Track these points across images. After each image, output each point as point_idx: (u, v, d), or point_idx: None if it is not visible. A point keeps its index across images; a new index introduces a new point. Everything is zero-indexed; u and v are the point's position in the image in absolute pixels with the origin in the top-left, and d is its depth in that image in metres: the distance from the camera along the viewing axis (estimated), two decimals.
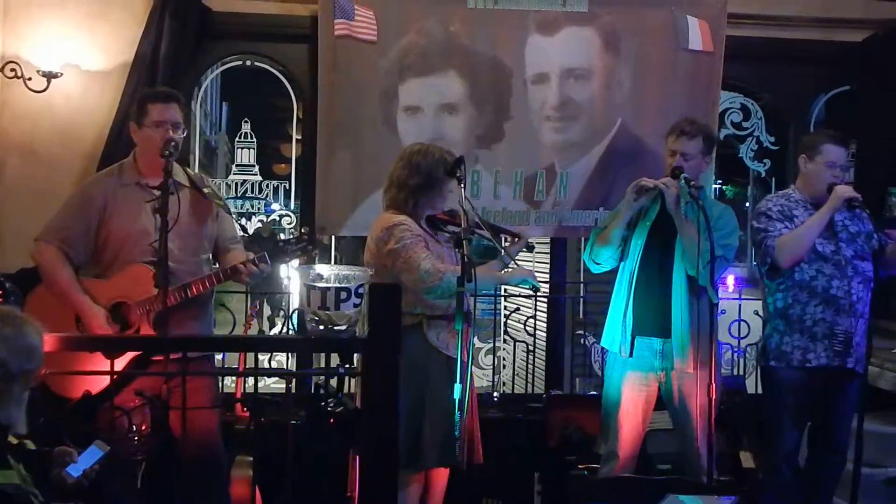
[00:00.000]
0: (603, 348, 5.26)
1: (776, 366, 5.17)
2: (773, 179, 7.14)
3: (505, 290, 7.17)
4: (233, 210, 5.72)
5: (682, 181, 4.85)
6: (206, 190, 4.79)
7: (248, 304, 6.19)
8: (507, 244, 5.00)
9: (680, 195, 4.87)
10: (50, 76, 5.75)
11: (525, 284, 4.98)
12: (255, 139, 7.00)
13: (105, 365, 3.60)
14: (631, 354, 5.00)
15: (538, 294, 6.83)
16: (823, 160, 5.12)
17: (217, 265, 4.89)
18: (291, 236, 4.78)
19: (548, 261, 7.08)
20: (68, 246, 4.70)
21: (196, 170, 5.97)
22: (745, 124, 7.04)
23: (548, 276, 6.99)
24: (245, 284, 5.02)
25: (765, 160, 7.05)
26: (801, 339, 5.11)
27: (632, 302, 5.00)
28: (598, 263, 5.11)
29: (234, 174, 6.83)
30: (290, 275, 6.28)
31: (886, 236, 5.11)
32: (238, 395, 5.35)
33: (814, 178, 5.17)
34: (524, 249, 5.14)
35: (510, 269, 5.10)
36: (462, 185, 4.73)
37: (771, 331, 5.22)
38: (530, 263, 8.20)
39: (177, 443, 4.16)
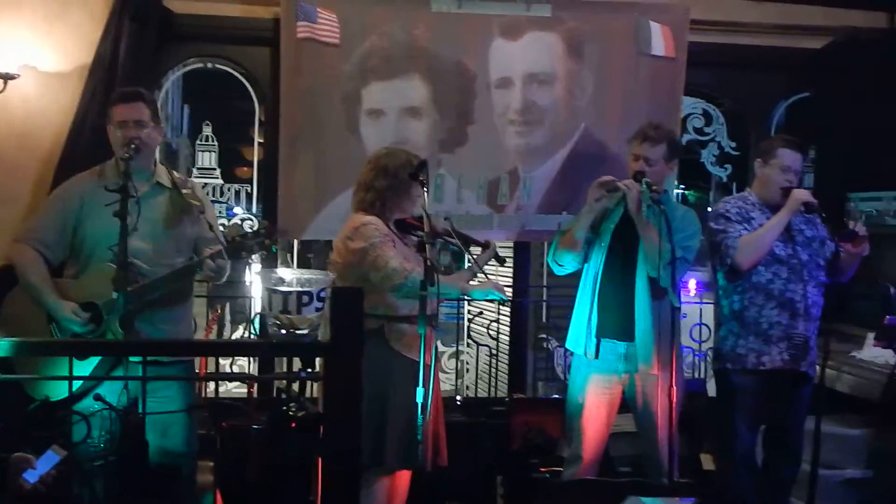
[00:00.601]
0: (567, 351, 5.26)
1: (731, 368, 5.19)
2: (735, 184, 7.18)
3: (468, 294, 7.17)
4: None
5: (644, 185, 4.86)
6: (185, 191, 4.78)
7: (209, 308, 6.16)
8: (476, 254, 5.01)
9: (642, 199, 4.88)
10: (7, 77, 5.68)
11: (493, 297, 5.00)
12: (216, 142, 6.96)
13: (75, 369, 3.57)
14: (597, 357, 5.01)
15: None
16: (778, 164, 5.16)
17: None
18: (249, 231, 4.76)
19: (511, 265, 7.09)
20: (45, 246, 4.71)
21: None
22: (706, 129, 7.07)
23: (511, 280, 6.99)
24: (207, 282, 5.00)
25: (726, 165, 7.08)
26: (755, 342, 5.14)
27: (596, 304, 5.02)
28: (561, 265, 5.12)
29: (196, 177, 6.78)
30: (253, 278, 6.25)
31: (840, 245, 5.14)
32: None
33: (768, 182, 5.21)
34: (495, 262, 5.14)
35: (476, 283, 5.11)
36: (425, 189, 4.74)
37: (726, 333, 5.25)
38: (493, 267, 8.22)
39: (144, 448, 4.12)
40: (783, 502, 5.34)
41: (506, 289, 6.82)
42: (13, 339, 3.39)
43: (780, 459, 5.30)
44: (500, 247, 7.51)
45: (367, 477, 4.73)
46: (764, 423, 5.32)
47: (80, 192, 4.75)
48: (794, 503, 5.55)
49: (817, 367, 5.21)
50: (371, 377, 4.69)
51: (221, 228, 6.50)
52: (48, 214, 4.79)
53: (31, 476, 3.37)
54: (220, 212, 6.68)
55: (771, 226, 5.09)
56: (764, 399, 5.18)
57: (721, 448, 5.37)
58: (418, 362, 4.51)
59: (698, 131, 7.07)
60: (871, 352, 5.76)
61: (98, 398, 4.19)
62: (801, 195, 5.07)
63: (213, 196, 6.64)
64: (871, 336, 5.78)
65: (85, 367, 4.39)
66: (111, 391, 4.29)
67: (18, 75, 5.73)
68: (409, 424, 4.63)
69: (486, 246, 5.05)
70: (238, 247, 4.67)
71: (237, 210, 6.81)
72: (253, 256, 5.04)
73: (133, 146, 4.50)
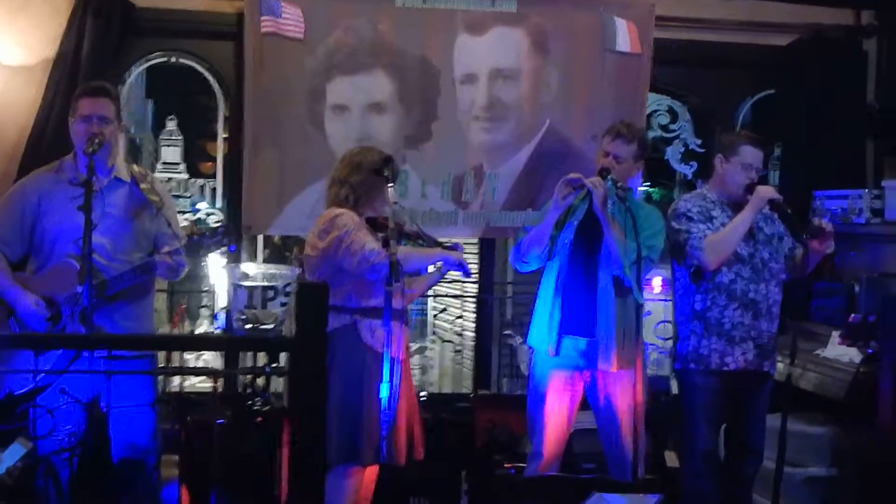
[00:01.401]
0: (530, 348, 5.27)
1: (694, 368, 5.16)
2: (700, 182, 7.21)
3: (433, 290, 7.17)
4: None
5: (609, 181, 4.87)
6: (143, 186, 4.75)
7: (172, 302, 6.14)
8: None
9: (607, 195, 4.89)
10: None
11: (456, 270, 4.98)
12: (181, 136, 6.92)
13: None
14: (558, 353, 5.02)
15: (465, 295, 6.87)
16: (740, 161, 5.14)
17: None
18: (206, 229, 4.76)
19: (476, 261, 7.10)
20: (2, 243, 4.71)
21: None
22: (672, 126, 7.09)
23: (476, 276, 7.00)
24: (165, 279, 4.99)
25: (692, 162, 7.10)
26: (718, 343, 5.11)
27: (559, 301, 5.02)
28: (525, 262, 5.11)
29: (160, 171, 6.75)
30: (217, 273, 6.23)
31: (806, 242, 5.15)
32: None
33: (729, 179, 5.18)
34: (461, 274, 5.14)
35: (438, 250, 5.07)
36: (391, 185, 4.74)
37: (688, 333, 5.20)
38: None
39: (107, 442, 4.12)
40: (745, 499, 5.34)
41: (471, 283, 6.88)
42: None
43: (741, 457, 5.30)
44: (465, 242, 7.56)
45: (340, 471, 4.74)
46: (725, 422, 5.34)
47: (38, 188, 4.74)
48: (758, 500, 5.59)
49: (778, 365, 5.24)
50: (345, 372, 4.73)
51: (185, 223, 6.51)
52: (5, 211, 4.78)
53: None
54: (183, 206, 6.66)
55: (736, 224, 5.05)
56: (726, 398, 5.18)
57: (683, 447, 5.38)
58: (393, 357, 4.53)
59: (664, 128, 7.09)
60: (836, 350, 5.77)
61: (63, 391, 4.18)
62: (767, 192, 5.05)
63: (178, 191, 6.61)
64: (835, 334, 5.79)
65: (43, 361, 4.36)
66: (76, 385, 4.28)
67: None
68: (382, 419, 4.65)
69: (451, 249, 5.05)
70: (196, 245, 4.65)
71: (201, 205, 6.79)
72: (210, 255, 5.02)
73: (96, 141, 4.48)
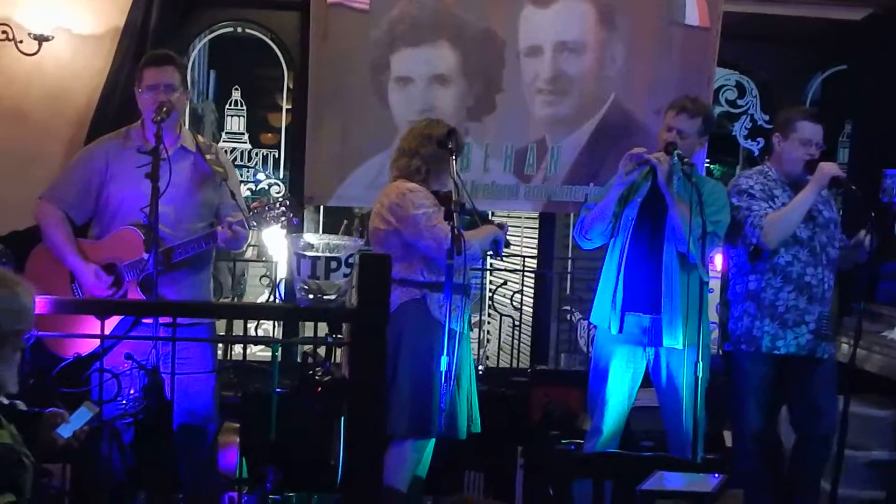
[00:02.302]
0: (590, 324, 5.24)
1: (745, 350, 5.10)
2: (766, 159, 7.13)
3: (492, 264, 7.16)
4: None
5: (675, 157, 4.82)
6: (208, 157, 4.78)
7: (234, 273, 6.19)
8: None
9: (672, 171, 4.85)
10: (41, 39, 5.69)
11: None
12: (244, 107, 6.96)
13: (94, 323, 3.61)
14: (621, 331, 4.99)
15: (525, 269, 6.85)
16: (798, 137, 5.03)
17: None
18: (269, 201, 4.78)
19: (536, 236, 7.07)
20: (68, 206, 4.75)
21: None
22: (739, 102, 7.02)
23: (536, 251, 6.98)
24: (226, 249, 5.02)
25: (758, 139, 7.02)
26: (770, 325, 5.04)
27: (622, 278, 4.98)
28: (588, 239, 5.07)
29: (224, 141, 6.80)
30: (276, 243, 6.26)
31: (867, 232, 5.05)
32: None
33: (787, 157, 5.09)
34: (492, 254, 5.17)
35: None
36: (454, 158, 4.73)
37: (741, 313, 5.13)
38: (518, 238, 8.21)
39: (167, 408, 4.16)
40: (813, 486, 5.23)
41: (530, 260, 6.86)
42: (46, 296, 3.41)
43: (802, 441, 5.24)
44: (525, 217, 7.53)
45: (409, 444, 4.79)
46: (783, 405, 5.28)
47: (106, 154, 4.78)
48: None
49: (843, 346, 5.15)
50: (415, 347, 4.74)
51: (248, 194, 6.55)
52: (73, 175, 4.82)
53: (64, 431, 3.40)
54: (246, 176, 6.69)
55: (798, 202, 4.96)
56: (777, 382, 5.13)
57: (732, 428, 5.32)
58: (456, 331, 4.57)
59: (731, 103, 7.02)
60: None
61: (129, 357, 4.23)
62: (830, 169, 4.93)
63: (241, 161, 6.65)
64: None
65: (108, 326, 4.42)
66: (138, 350, 4.32)
67: (53, 37, 5.73)
68: (452, 393, 4.67)
69: (498, 227, 5.05)
70: (259, 217, 4.67)
71: (261, 176, 6.82)
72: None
73: (164, 109, 4.51)
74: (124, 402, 4.33)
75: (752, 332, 5.09)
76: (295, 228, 5.56)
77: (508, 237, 5.06)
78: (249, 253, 6.64)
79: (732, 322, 5.20)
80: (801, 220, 4.98)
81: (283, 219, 4.70)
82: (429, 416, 4.77)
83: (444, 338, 4.61)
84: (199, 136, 5.03)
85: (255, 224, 4.71)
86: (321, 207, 6.84)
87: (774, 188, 5.10)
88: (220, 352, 5.56)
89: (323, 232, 6.94)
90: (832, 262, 5.11)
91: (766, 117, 7.02)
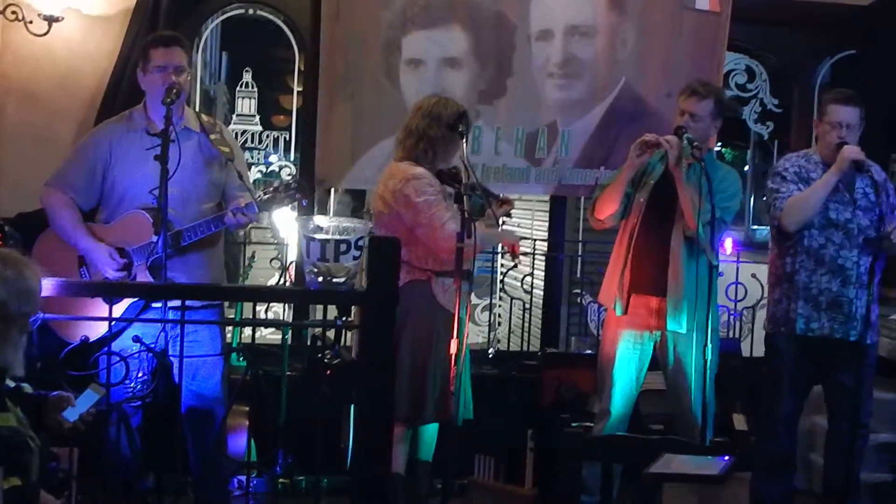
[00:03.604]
0: (600, 306, 5.25)
1: (784, 332, 5.13)
2: (776, 143, 7.11)
3: (503, 248, 7.15)
4: None
5: (685, 141, 4.81)
6: (213, 137, 4.76)
7: (245, 255, 6.20)
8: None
9: (682, 155, 4.84)
10: (51, 20, 5.68)
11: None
12: (255, 89, 6.95)
13: (105, 310, 3.61)
14: (626, 312, 4.99)
15: (535, 252, 6.85)
16: (829, 120, 5.06)
17: None
18: (279, 184, 4.76)
19: (547, 219, 7.06)
20: (74, 191, 4.72)
21: None
22: (749, 86, 7.00)
23: (546, 234, 6.97)
24: (236, 230, 5.01)
25: (768, 123, 7.01)
26: (805, 307, 5.06)
27: (630, 259, 4.99)
28: (600, 220, 5.08)
29: (235, 123, 6.79)
30: (287, 225, 6.26)
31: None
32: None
33: (822, 140, 5.12)
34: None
35: (502, 230, 5.10)
36: (465, 141, 4.73)
37: (780, 296, 5.16)
38: (528, 221, 8.21)
39: (177, 391, 4.17)
40: (845, 469, 5.13)
41: (539, 244, 6.86)
42: (54, 278, 3.42)
43: (837, 426, 5.23)
44: (537, 200, 7.52)
45: (401, 428, 4.79)
46: (816, 385, 5.28)
47: (109, 138, 4.75)
48: (816, 460, 5.53)
49: (876, 334, 5.13)
50: (416, 329, 4.74)
51: (259, 176, 6.54)
52: (78, 161, 4.79)
53: (70, 414, 3.41)
54: (257, 158, 6.69)
55: (816, 187, 4.99)
56: (813, 365, 5.14)
57: (763, 409, 5.32)
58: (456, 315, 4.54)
59: (741, 87, 7.00)
60: None
61: (137, 340, 4.23)
62: (850, 152, 4.93)
63: (252, 143, 6.65)
64: None
65: (116, 309, 4.42)
66: (147, 333, 4.33)
67: (62, 18, 5.72)
68: (445, 378, 4.66)
69: (505, 202, 5.05)
70: (269, 201, 4.66)
71: (273, 158, 6.82)
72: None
73: (174, 91, 4.49)
74: (132, 384, 4.34)
75: (788, 314, 5.12)
76: (306, 210, 5.59)
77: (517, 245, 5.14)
78: (259, 236, 6.64)
79: (772, 304, 5.23)
80: (820, 203, 4.98)
81: (291, 201, 4.68)
82: (423, 402, 4.78)
83: (449, 322, 4.61)
84: (204, 116, 5.00)
85: (268, 206, 4.69)
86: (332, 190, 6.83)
87: (812, 171, 5.11)
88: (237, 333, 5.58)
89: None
90: (873, 245, 5.06)
91: (776, 101, 7.01)
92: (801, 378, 5.17)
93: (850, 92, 5.14)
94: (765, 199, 5.15)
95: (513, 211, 5.48)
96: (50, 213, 4.73)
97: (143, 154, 4.49)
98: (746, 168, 8.58)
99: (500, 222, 5.44)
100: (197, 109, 6.48)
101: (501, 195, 5.22)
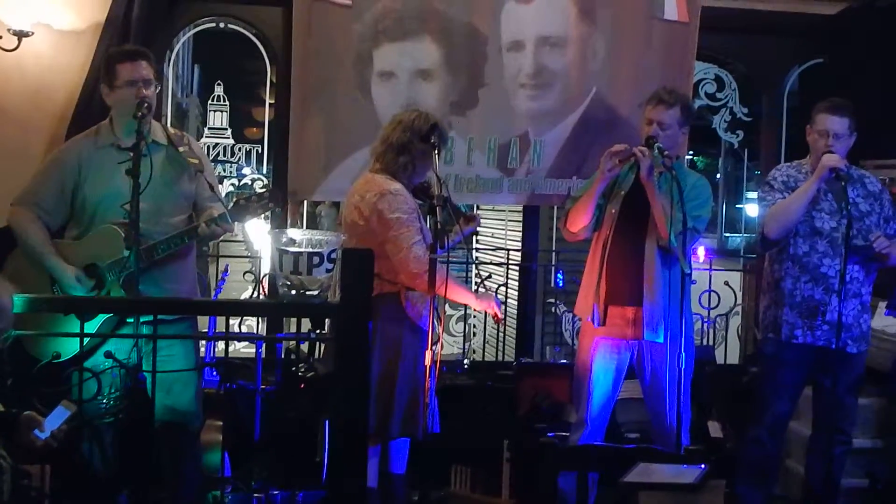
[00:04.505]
0: (575, 316, 5.25)
1: (772, 338, 5.17)
2: (746, 151, 7.15)
3: (477, 258, 7.17)
4: None
5: (656, 150, 4.83)
6: (181, 149, 4.74)
7: (218, 268, 6.18)
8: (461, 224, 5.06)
9: (653, 164, 4.85)
10: (21, 35, 5.65)
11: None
12: (227, 102, 6.95)
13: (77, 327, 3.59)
14: (604, 323, 5.00)
15: (509, 263, 6.87)
16: (817, 128, 5.07)
17: None
18: (251, 193, 4.74)
19: (520, 229, 7.08)
20: (42, 210, 4.66)
21: None
22: (718, 95, 7.05)
23: (520, 244, 6.98)
24: (210, 242, 4.99)
25: (738, 131, 7.06)
26: (790, 314, 5.10)
27: (605, 270, 5.00)
28: (573, 232, 5.09)
29: (207, 137, 6.78)
30: (260, 238, 6.26)
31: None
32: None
33: (812, 148, 5.13)
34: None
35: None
36: (437, 153, 4.73)
37: (770, 302, 5.21)
38: (502, 231, 8.22)
39: (149, 406, 4.14)
40: (827, 476, 5.19)
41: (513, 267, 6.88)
42: (23, 295, 3.39)
43: (820, 433, 5.25)
44: (510, 210, 7.55)
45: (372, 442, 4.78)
46: (806, 388, 5.30)
47: (78, 155, 4.69)
48: (795, 468, 5.57)
49: (866, 344, 5.16)
50: (384, 342, 4.73)
51: (231, 189, 6.53)
52: (46, 179, 4.72)
53: (42, 432, 3.39)
54: (230, 171, 6.68)
55: (797, 194, 5.02)
56: (801, 371, 5.16)
57: (751, 414, 5.34)
58: (426, 330, 4.54)
59: (710, 97, 7.05)
60: (883, 321, 5.73)
61: (109, 355, 4.21)
62: (829, 160, 4.93)
63: (224, 156, 6.64)
64: (882, 305, 5.74)
65: (89, 325, 4.39)
66: (120, 348, 4.31)
67: (32, 33, 5.70)
68: (414, 391, 4.65)
69: (471, 219, 5.05)
70: (242, 209, 4.64)
71: (246, 171, 6.81)
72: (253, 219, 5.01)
73: (145, 105, 4.47)
74: (105, 400, 4.31)
75: (776, 320, 5.15)
76: (278, 220, 5.58)
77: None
78: (232, 249, 6.62)
79: (763, 310, 5.28)
80: (800, 211, 5.00)
81: (267, 209, 4.66)
82: (391, 416, 4.78)
83: (418, 335, 4.61)
84: (170, 129, 4.97)
85: (241, 216, 4.67)
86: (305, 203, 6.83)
87: (801, 180, 5.12)
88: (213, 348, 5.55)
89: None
90: (860, 254, 5.07)
91: (745, 110, 7.07)
92: (788, 384, 5.18)
93: (842, 101, 5.15)
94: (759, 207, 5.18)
95: (486, 221, 5.50)
96: (18, 233, 4.66)
97: (113, 169, 4.47)
98: (718, 176, 8.63)
99: (475, 242, 5.42)
100: (169, 122, 6.49)
101: (467, 212, 5.22)
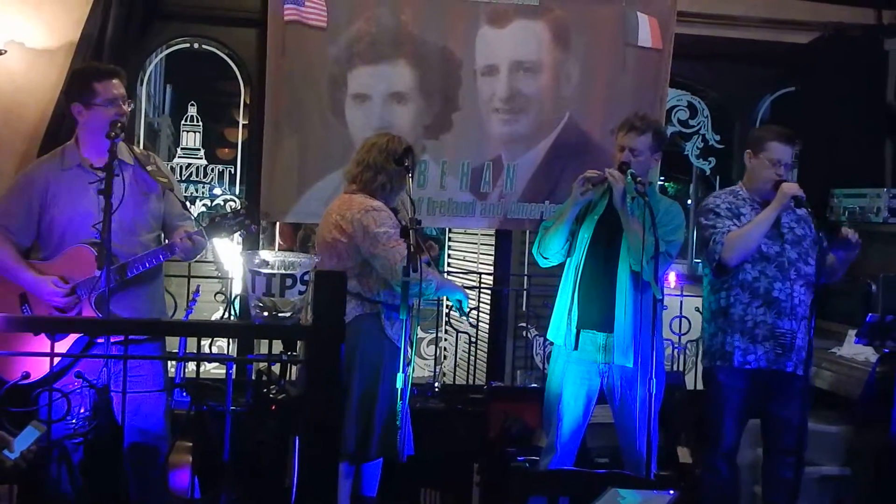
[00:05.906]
0: (546, 340, 5.26)
1: (720, 365, 5.17)
2: (718, 178, 7.19)
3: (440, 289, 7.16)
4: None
5: (629, 176, 4.85)
6: (149, 168, 4.72)
7: (189, 289, 6.15)
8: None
9: (626, 190, 4.88)
10: None
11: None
12: (201, 122, 6.93)
13: (46, 346, 3.56)
14: (576, 348, 5.01)
15: (481, 287, 6.87)
16: (767, 157, 5.11)
17: None
18: (227, 211, 4.72)
19: (492, 253, 7.08)
20: (11, 232, 4.65)
21: None
22: (691, 122, 7.10)
23: (492, 268, 6.99)
24: (183, 260, 4.97)
25: (710, 158, 7.12)
26: (741, 340, 5.11)
27: (577, 296, 5.01)
28: (545, 258, 5.11)
29: (180, 157, 6.76)
30: (232, 259, 6.24)
31: (833, 251, 5.10)
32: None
33: (756, 175, 5.17)
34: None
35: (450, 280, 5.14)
36: (410, 176, 4.75)
37: (715, 330, 5.21)
38: (474, 255, 8.22)
39: (119, 427, 4.11)
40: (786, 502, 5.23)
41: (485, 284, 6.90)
42: None
43: (774, 457, 5.27)
44: (482, 234, 7.56)
45: (346, 466, 4.78)
46: (753, 419, 5.32)
47: (45, 177, 4.66)
48: (759, 493, 5.59)
49: (811, 368, 5.18)
50: (364, 364, 4.74)
51: (203, 209, 6.51)
52: (14, 200, 4.70)
53: (11, 452, 3.36)
54: (202, 192, 6.66)
55: (758, 221, 5.05)
56: (751, 397, 5.18)
57: (706, 443, 5.35)
58: (402, 348, 4.54)
59: (683, 123, 7.10)
60: (852, 349, 5.76)
61: (79, 375, 4.18)
62: (791, 189, 4.99)
63: (196, 177, 6.61)
64: (851, 333, 5.76)
65: (59, 345, 4.36)
66: (89, 368, 4.28)
67: (5, 51, 5.69)
68: (393, 413, 4.65)
69: (431, 247, 5.06)
70: (217, 226, 4.63)
71: (217, 191, 6.79)
72: (231, 237, 5.01)
73: (119, 125, 4.45)
74: (74, 421, 4.28)
75: (724, 347, 5.16)
76: (252, 240, 5.55)
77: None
78: (203, 269, 6.60)
79: (708, 339, 5.27)
80: (761, 238, 5.04)
81: (242, 227, 4.64)
82: (370, 438, 4.78)
83: (396, 356, 4.62)
84: (136, 148, 4.95)
85: (216, 233, 4.66)
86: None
87: (742, 206, 5.17)
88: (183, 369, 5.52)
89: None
90: (803, 277, 5.13)
91: (717, 137, 7.13)
92: (739, 411, 5.21)
93: (790, 131, 5.21)
94: (701, 235, 5.17)
95: (459, 244, 5.52)
96: None
97: (81, 190, 4.45)
98: (689, 202, 8.68)
99: (446, 265, 5.44)
100: (141, 142, 6.46)
101: (428, 240, 5.23)
